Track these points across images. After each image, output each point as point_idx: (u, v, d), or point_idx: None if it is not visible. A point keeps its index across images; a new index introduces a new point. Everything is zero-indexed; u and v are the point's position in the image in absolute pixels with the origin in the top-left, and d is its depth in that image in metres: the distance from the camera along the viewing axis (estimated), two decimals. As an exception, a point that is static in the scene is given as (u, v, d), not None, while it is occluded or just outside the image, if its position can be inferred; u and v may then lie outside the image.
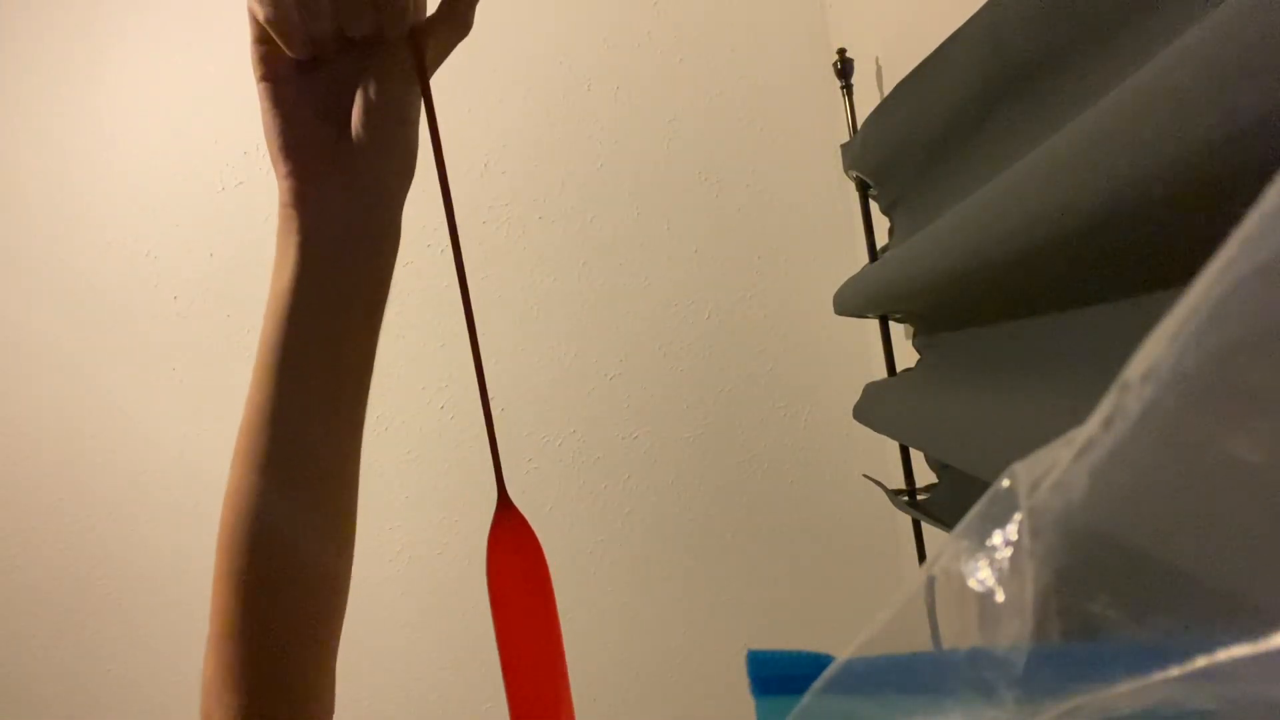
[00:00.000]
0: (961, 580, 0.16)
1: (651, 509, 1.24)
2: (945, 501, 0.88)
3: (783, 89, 1.24)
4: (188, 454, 1.22)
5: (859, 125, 0.94)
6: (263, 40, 0.31)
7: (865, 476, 1.12)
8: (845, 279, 0.97)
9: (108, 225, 1.23)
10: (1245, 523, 0.13)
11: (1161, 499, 0.14)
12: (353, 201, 0.32)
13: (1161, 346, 0.13)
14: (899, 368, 0.96)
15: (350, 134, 0.32)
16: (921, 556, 1.03)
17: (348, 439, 0.34)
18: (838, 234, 1.23)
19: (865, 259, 1.02)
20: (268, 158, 0.33)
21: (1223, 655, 0.12)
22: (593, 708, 1.23)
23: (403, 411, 1.22)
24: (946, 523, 0.78)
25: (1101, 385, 0.14)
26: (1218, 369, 0.12)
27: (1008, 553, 0.15)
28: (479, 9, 0.32)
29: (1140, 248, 0.39)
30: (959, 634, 0.17)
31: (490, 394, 0.31)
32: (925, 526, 1.00)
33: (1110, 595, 0.14)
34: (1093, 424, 0.14)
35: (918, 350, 0.90)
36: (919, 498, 0.93)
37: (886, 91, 0.76)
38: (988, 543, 0.16)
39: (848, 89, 1.01)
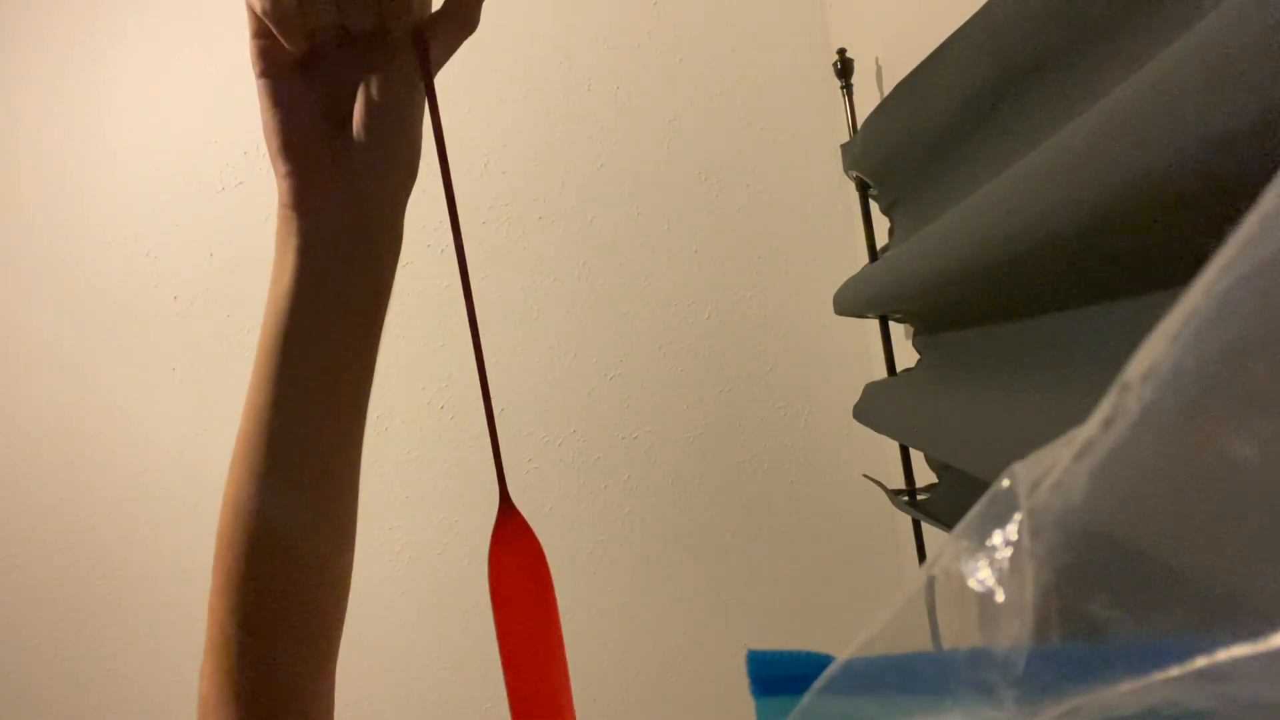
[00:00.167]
0: (961, 580, 0.16)
1: (651, 509, 1.24)
2: (945, 501, 0.88)
3: (783, 89, 1.24)
4: (188, 454, 1.22)
5: (859, 125, 0.94)
6: (262, 34, 0.30)
7: (865, 476, 1.12)
8: (845, 279, 0.97)
9: (108, 225, 1.23)
10: (1245, 523, 0.13)
11: (1162, 499, 0.14)
12: (353, 203, 0.32)
13: (1161, 346, 0.13)
14: (899, 368, 0.96)
15: (351, 134, 0.31)
16: (921, 556, 1.03)
17: (348, 442, 0.33)
18: (838, 234, 1.23)
19: (865, 259, 1.02)
20: (267, 157, 0.32)
21: (1223, 655, 0.12)
22: (593, 708, 1.23)
23: (403, 411, 1.22)
24: (946, 523, 0.78)
25: (1101, 385, 0.14)
26: (1218, 369, 0.12)
27: (1008, 553, 0.15)
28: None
29: (1140, 248, 0.39)
30: (959, 634, 0.17)
31: (490, 394, 0.31)
32: (925, 526, 1.00)
33: (1110, 595, 0.14)
34: (1093, 424, 0.14)
35: (918, 350, 0.90)
36: (919, 498, 0.93)
37: (886, 91, 0.76)
38: (988, 543, 0.16)
39: (848, 89, 1.01)
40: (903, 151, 0.77)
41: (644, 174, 1.23)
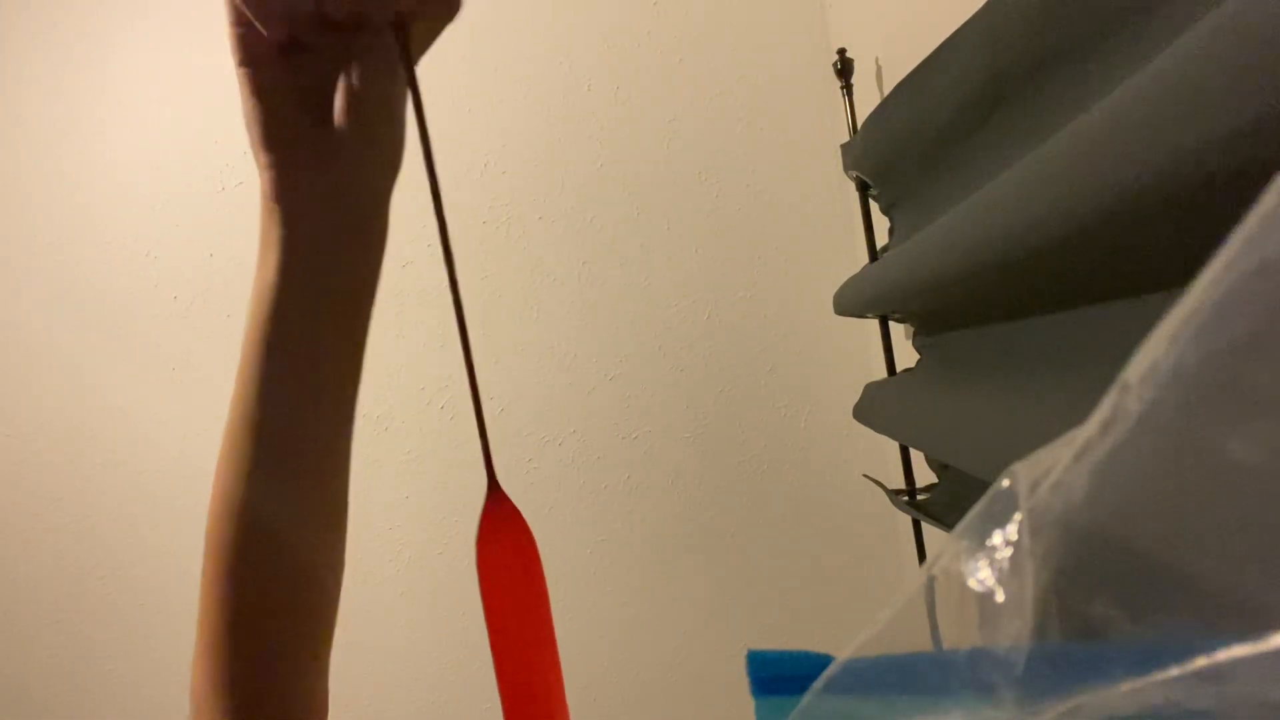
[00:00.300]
0: (961, 580, 0.16)
1: (651, 509, 1.24)
2: (945, 501, 0.88)
3: (783, 89, 1.24)
4: (188, 454, 1.22)
5: (859, 125, 0.94)
6: (240, 23, 0.29)
7: (865, 476, 1.12)
8: (845, 279, 0.97)
9: (108, 225, 1.23)
10: (1245, 523, 0.13)
11: (1161, 499, 0.14)
12: (336, 195, 0.31)
13: (1161, 347, 0.13)
14: (899, 368, 0.96)
15: (333, 124, 0.31)
16: (921, 556, 1.03)
17: (337, 434, 0.33)
18: (838, 234, 1.23)
19: (865, 259, 1.02)
20: None
21: (1223, 655, 0.12)
22: (593, 708, 1.23)
23: (403, 411, 1.21)
24: (946, 523, 0.78)
25: (1101, 385, 0.14)
26: (1218, 369, 0.12)
27: (1008, 553, 0.15)
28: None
29: (1140, 248, 0.39)
30: (959, 634, 0.17)
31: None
32: (925, 526, 1.00)
33: (1110, 595, 0.14)
34: (1093, 424, 0.14)
35: (918, 350, 0.90)
36: (919, 498, 0.93)
37: (886, 91, 0.76)
38: (988, 543, 0.16)
39: (848, 89, 1.01)
40: (903, 152, 0.77)
41: (644, 174, 1.23)
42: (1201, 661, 0.12)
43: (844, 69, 1.00)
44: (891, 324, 0.98)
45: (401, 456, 1.22)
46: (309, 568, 0.33)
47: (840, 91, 1.02)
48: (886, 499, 0.99)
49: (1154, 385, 0.13)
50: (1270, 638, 0.12)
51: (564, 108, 1.23)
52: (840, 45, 1.02)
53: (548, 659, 0.30)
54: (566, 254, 1.23)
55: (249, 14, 0.28)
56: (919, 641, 0.18)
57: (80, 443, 1.23)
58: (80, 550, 1.23)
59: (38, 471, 1.23)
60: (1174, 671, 0.13)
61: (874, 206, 0.98)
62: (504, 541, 0.30)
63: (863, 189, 0.98)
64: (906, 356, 0.95)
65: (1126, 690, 0.13)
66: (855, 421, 0.98)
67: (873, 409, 0.93)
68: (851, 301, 0.93)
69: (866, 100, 1.00)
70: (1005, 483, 0.16)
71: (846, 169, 0.96)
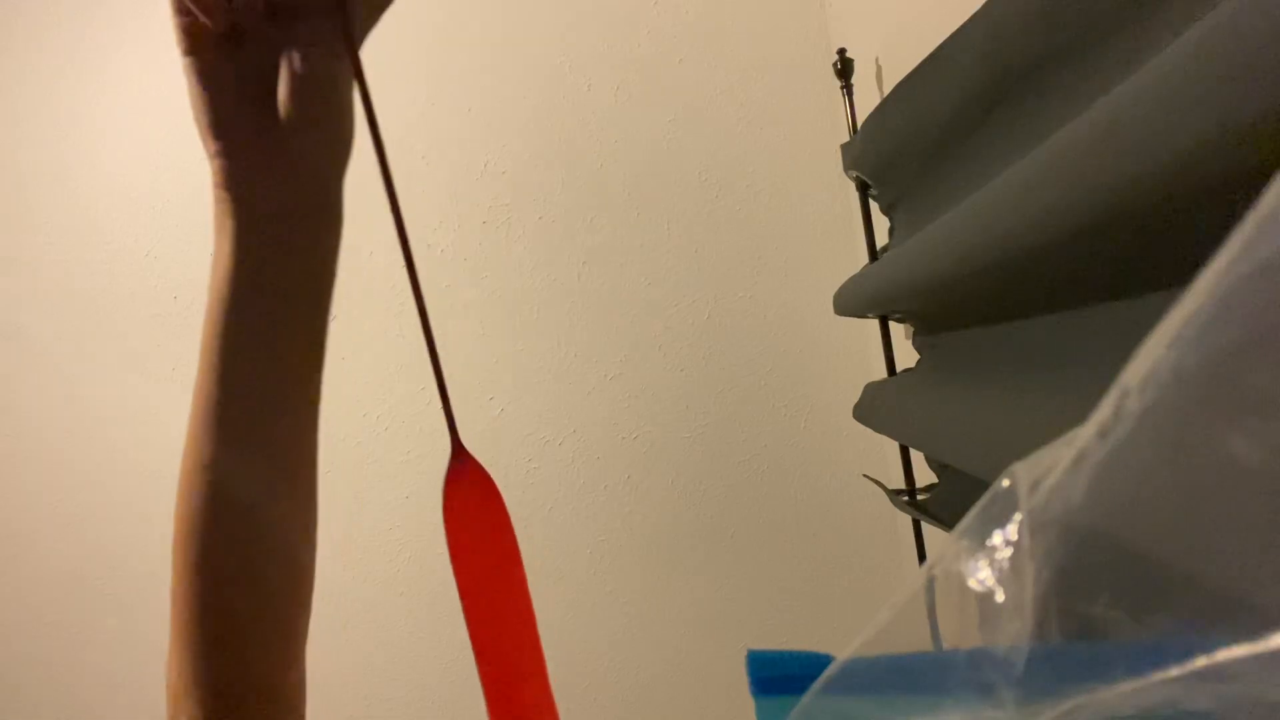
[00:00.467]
0: (961, 580, 0.16)
1: (651, 509, 1.24)
2: (945, 501, 0.88)
3: (783, 89, 1.24)
4: (188, 454, 1.22)
5: (859, 125, 0.94)
6: (182, 12, 0.29)
7: (865, 476, 1.12)
8: (845, 279, 0.97)
9: (108, 225, 1.23)
10: (1245, 523, 0.13)
11: (1161, 499, 0.14)
12: (285, 180, 0.31)
13: (1160, 348, 0.13)
14: (899, 368, 0.96)
15: (278, 109, 0.31)
16: (921, 556, 1.03)
17: (301, 419, 0.33)
18: (838, 234, 1.23)
19: (865, 259, 1.02)
20: None
21: (1223, 655, 0.12)
22: (593, 707, 1.23)
23: (403, 411, 1.21)
24: (946, 523, 0.78)
25: (1101, 385, 0.14)
26: (1218, 370, 0.12)
27: (1008, 553, 0.15)
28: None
29: (1140, 248, 0.39)
30: (959, 634, 0.17)
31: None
32: (925, 526, 1.00)
33: (1110, 595, 0.14)
34: (1093, 424, 0.14)
35: (918, 350, 0.90)
36: (919, 498, 0.93)
37: (886, 91, 0.76)
38: (988, 543, 0.16)
39: (848, 89, 1.01)
40: (903, 151, 0.77)
41: (644, 174, 1.23)
42: (1201, 661, 0.12)
43: (844, 69, 1.00)
44: (891, 324, 0.98)
45: (401, 456, 1.22)
46: (280, 552, 0.33)
47: (840, 91, 1.02)
48: (886, 499, 0.99)
49: (1154, 386, 0.13)
50: (1270, 638, 0.12)
51: (564, 108, 1.23)
52: (840, 45, 1.02)
53: (521, 615, 0.30)
54: (566, 254, 1.23)
55: (190, 3, 0.28)
56: (919, 641, 0.18)
57: (80, 443, 1.23)
58: (79, 549, 1.23)
59: (38, 471, 1.23)
60: (1174, 671, 0.13)
61: (874, 206, 0.98)
62: (472, 502, 0.29)
63: (863, 189, 0.98)
64: (906, 356, 0.95)
65: (1126, 690, 0.13)
66: (855, 421, 0.98)
67: (873, 409, 0.93)
68: (851, 301, 0.93)
69: (866, 100, 1.00)
70: (1005, 483, 0.16)
71: (846, 169, 0.96)
